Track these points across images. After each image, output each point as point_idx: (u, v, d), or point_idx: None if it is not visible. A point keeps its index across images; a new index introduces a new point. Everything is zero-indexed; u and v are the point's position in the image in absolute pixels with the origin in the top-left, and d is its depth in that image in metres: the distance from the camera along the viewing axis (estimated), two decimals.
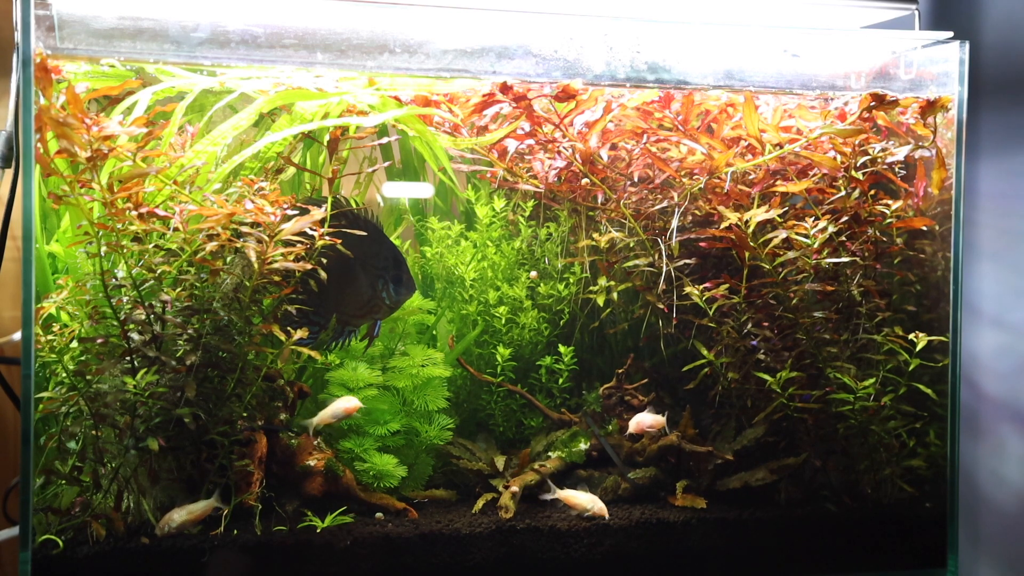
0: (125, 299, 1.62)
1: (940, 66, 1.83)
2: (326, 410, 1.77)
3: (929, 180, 1.86)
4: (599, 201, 2.01)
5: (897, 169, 1.92)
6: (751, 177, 1.94)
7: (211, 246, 1.62)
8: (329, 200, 1.73)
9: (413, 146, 2.05)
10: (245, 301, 1.64)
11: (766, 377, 1.87)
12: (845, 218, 1.88)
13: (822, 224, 1.85)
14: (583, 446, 1.94)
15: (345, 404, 1.77)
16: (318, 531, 1.66)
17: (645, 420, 1.90)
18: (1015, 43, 1.94)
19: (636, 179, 1.96)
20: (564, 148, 1.92)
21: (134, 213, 1.59)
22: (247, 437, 1.68)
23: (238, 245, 1.64)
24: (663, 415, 1.91)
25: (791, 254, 1.85)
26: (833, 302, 1.92)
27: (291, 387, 1.80)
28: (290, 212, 1.65)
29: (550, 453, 1.93)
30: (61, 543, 1.55)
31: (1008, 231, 1.96)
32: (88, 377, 1.60)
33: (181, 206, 1.63)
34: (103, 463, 1.62)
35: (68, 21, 1.54)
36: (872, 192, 1.90)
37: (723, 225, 1.86)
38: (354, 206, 1.79)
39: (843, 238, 1.89)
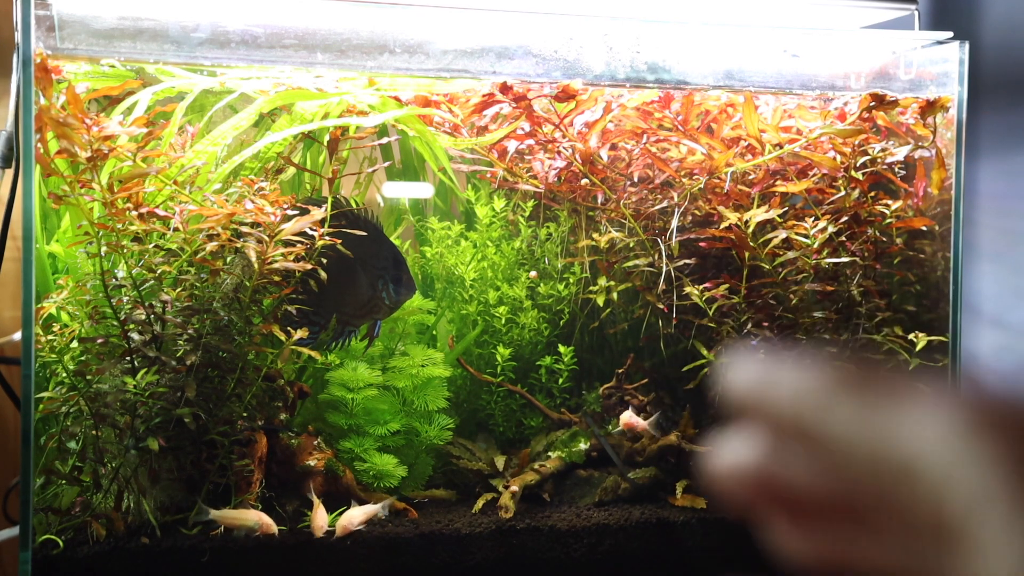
0: (125, 299, 1.62)
1: (940, 66, 1.83)
2: None
3: (929, 180, 1.86)
4: (599, 201, 2.01)
5: (897, 169, 1.92)
6: (751, 177, 1.94)
7: (211, 246, 1.62)
8: (329, 200, 1.73)
9: (413, 146, 2.05)
10: (245, 301, 1.64)
11: None
12: (845, 218, 1.89)
13: (822, 224, 1.85)
14: (583, 446, 1.94)
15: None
16: None
17: (636, 421, 1.89)
18: (1015, 43, 1.94)
19: (636, 179, 1.96)
20: (564, 148, 1.92)
21: (134, 213, 1.59)
22: (247, 437, 1.68)
23: (238, 245, 1.64)
24: (653, 416, 1.91)
25: (791, 254, 1.85)
26: (833, 302, 1.92)
27: (291, 387, 1.80)
28: (290, 212, 1.65)
29: (550, 453, 1.93)
30: (61, 543, 1.55)
31: (1008, 231, 1.96)
32: (88, 377, 1.60)
33: (181, 206, 1.63)
34: (103, 463, 1.62)
35: (68, 21, 1.54)
36: (872, 192, 1.90)
37: (723, 225, 1.86)
38: (354, 206, 1.79)
39: (843, 238, 1.89)
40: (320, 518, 1.64)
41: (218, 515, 1.59)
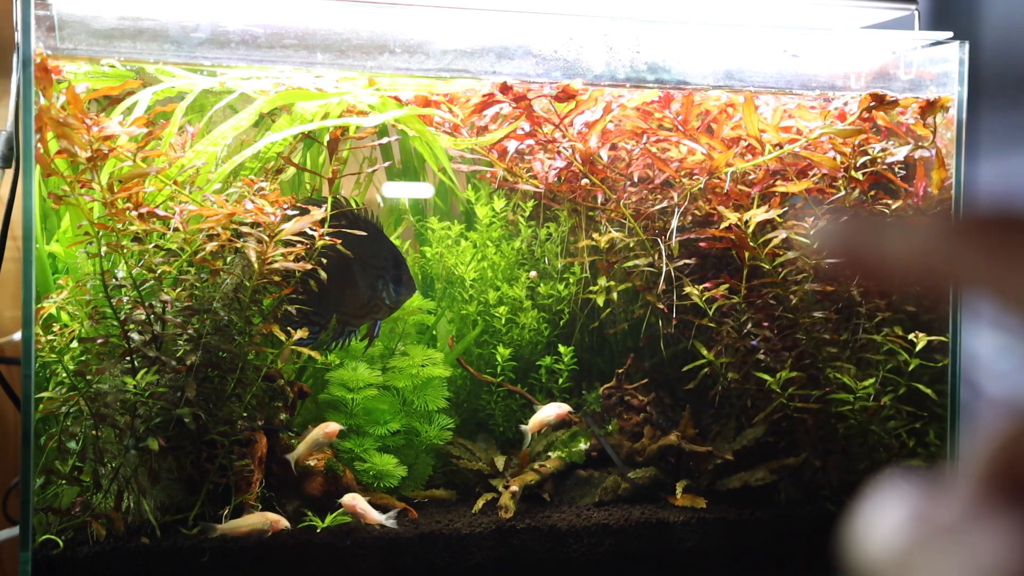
0: (125, 299, 1.62)
1: (940, 66, 1.83)
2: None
3: (929, 180, 1.86)
4: (599, 201, 2.01)
5: (897, 169, 1.92)
6: (751, 177, 1.94)
7: (211, 246, 1.62)
8: (329, 200, 1.73)
9: (413, 146, 2.05)
10: (245, 301, 1.64)
11: (766, 377, 1.87)
12: (845, 218, 1.88)
13: (822, 224, 1.85)
14: (583, 446, 1.94)
15: None
16: (318, 531, 1.66)
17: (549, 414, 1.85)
18: (1015, 43, 1.94)
19: (636, 179, 1.96)
20: (564, 148, 1.92)
21: (134, 213, 1.59)
22: (247, 437, 1.68)
23: (238, 245, 1.64)
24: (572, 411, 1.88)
25: (791, 254, 1.85)
26: (833, 302, 1.92)
27: (291, 387, 1.80)
28: (290, 212, 1.65)
29: (550, 453, 1.93)
30: (61, 543, 1.55)
31: None
32: (88, 377, 1.60)
33: (181, 206, 1.63)
34: (103, 463, 1.62)
35: (68, 21, 1.54)
36: (872, 192, 1.90)
37: (723, 225, 1.86)
38: (354, 206, 1.79)
39: None
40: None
41: (226, 528, 1.59)
